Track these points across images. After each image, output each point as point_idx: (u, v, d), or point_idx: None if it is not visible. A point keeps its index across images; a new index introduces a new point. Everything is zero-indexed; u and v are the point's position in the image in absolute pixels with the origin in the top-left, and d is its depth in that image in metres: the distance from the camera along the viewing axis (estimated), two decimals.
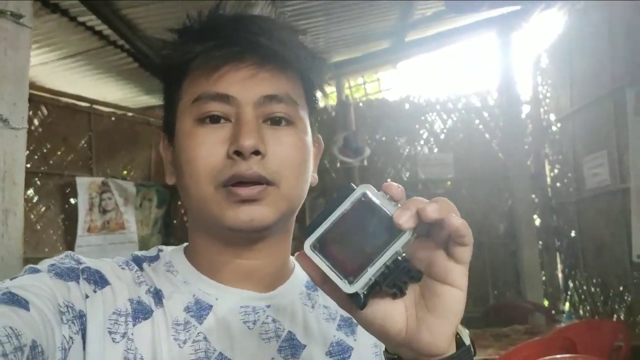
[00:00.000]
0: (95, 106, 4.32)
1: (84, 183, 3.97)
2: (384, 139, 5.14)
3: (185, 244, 0.69)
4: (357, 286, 0.41)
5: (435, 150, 5.07)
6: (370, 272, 0.41)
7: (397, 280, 0.42)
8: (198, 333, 0.59)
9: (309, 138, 0.65)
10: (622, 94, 3.25)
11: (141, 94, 4.67)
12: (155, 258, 0.66)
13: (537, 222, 4.76)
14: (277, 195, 0.60)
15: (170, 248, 0.69)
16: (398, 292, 0.43)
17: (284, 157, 0.60)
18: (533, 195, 4.72)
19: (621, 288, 3.49)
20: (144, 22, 3.48)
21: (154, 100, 4.77)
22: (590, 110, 3.80)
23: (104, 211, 4.06)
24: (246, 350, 0.60)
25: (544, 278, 4.67)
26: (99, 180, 4.08)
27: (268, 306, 0.63)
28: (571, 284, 4.35)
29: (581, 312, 4.15)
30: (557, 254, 4.64)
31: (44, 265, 0.57)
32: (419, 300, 0.45)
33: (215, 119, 0.60)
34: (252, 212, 0.58)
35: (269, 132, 0.60)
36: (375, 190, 0.43)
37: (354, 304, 0.42)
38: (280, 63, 0.62)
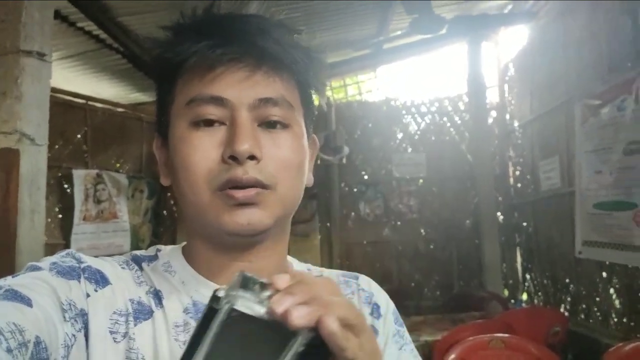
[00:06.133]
0: (90, 102, 4.55)
1: (80, 175, 4.21)
2: (362, 138, 5.46)
3: (184, 243, 0.68)
4: None
5: (409, 150, 5.42)
6: None
7: None
8: None
9: (305, 140, 0.65)
10: (572, 106, 3.59)
11: (133, 91, 4.94)
12: (154, 258, 0.66)
13: (500, 219, 5.12)
14: (273, 198, 0.59)
15: (168, 248, 0.68)
16: None
17: (280, 161, 0.59)
18: (497, 194, 5.05)
19: (567, 280, 3.88)
20: (138, 27, 3.76)
21: (145, 97, 5.04)
22: (546, 119, 4.14)
23: (98, 201, 4.33)
24: None
25: (504, 270, 5.06)
26: (93, 172, 4.34)
27: None
28: (528, 276, 4.75)
29: (535, 301, 4.55)
30: (517, 249, 5.02)
31: (45, 263, 0.56)
32: None
33: (209, 122, 0.59)
34: (249, 215, 0.58)
35: (265, 136, 0.59)
36: (247, 285, 0.37)
37: None
38: (276, 64, 0.60)
